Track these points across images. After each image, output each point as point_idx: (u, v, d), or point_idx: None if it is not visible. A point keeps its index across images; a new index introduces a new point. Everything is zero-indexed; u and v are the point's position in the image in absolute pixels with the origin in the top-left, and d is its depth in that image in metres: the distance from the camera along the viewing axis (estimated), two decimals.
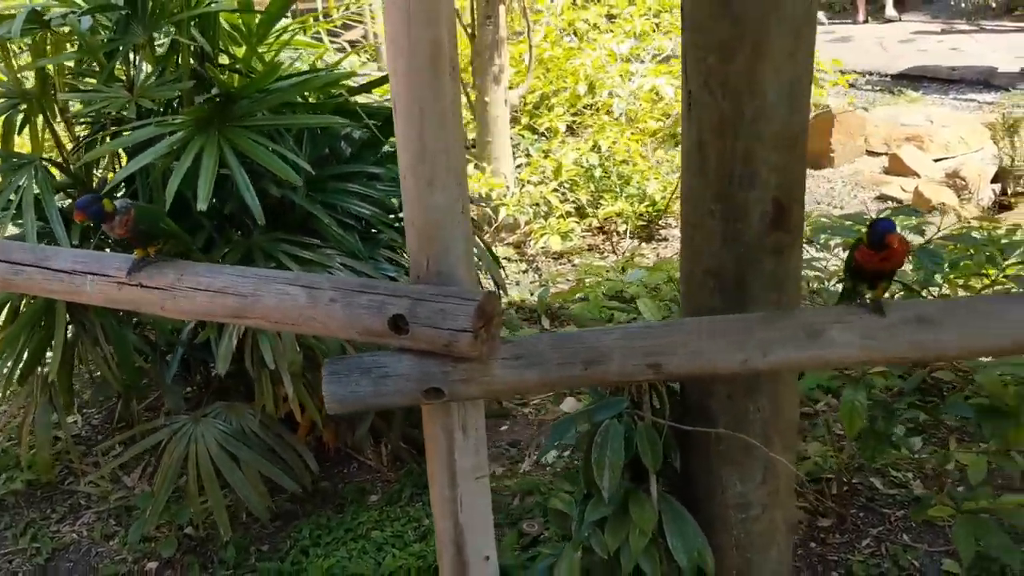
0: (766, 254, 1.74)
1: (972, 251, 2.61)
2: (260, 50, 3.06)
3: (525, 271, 4.96)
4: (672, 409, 1.99)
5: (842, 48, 9.07)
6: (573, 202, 5.20)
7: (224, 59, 3.00)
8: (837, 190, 5.47)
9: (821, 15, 7.68)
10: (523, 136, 5.85)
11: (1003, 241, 2.90)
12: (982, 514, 2.25)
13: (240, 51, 3.02)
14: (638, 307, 2.36)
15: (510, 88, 5.49)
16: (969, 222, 4.54)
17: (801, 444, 3.03)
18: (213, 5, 2.80)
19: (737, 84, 1.59)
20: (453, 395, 1.57)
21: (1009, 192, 5.16)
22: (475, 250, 3.19)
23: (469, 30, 5.09)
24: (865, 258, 1.60)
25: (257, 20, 2.97)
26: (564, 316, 3.34)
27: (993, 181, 5.45)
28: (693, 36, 1.65)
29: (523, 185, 5.26)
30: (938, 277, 2.88)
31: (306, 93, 2.88)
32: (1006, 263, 2.73)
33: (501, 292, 3.43)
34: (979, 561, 2.51)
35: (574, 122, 6.08)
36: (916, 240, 2.67)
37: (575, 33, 6.46)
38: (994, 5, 9.59)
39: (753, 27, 1.55)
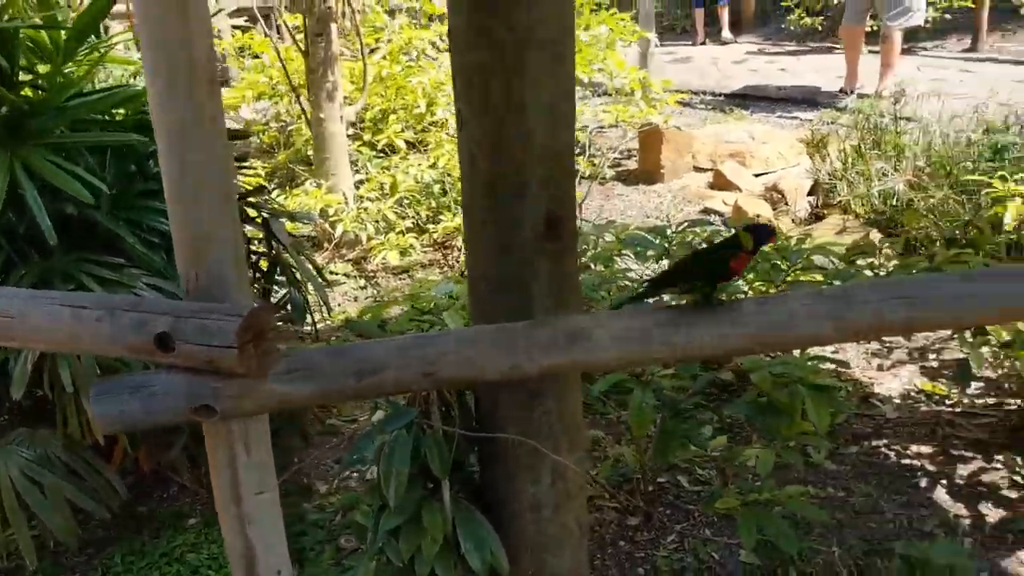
0: (543, 262, 1.82)
1: (758, 259, 2.78)
2: (70, 68, 2.97)
3: (364, 287, 4.96)
4: (466, 416, 2.04)
5: (681, 68, 9.48)
6: (413, 218, 5.25)
7: (28, 77, 2.90)
8: (666, 204, 5.71)
9: (652, 36, 8.00)
10: (361, 152, 5.86)
11: (794, 249, 3.11)
12: (767, 505, 2.41)
13: (45, 68, 2.93)
14: (445, 320, 2.42)
15: (348, 105, 5.50)
16: (786, 233, 4.83)
17: (616, 447, 3.16)
18: (15, 22, 2.70)
19: (500, 104, 1.67)
20: (226, 412, 1.58)
21: (821, 204, 5.50)
22: (302, 269, 3.20)
23: (302, 47, 5.08)
24: (740, 264, 1.70)
25: (64, 37, 2.89)
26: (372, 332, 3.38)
27: (809, 193, 5.79)
28: (457, 58, 1.72)
29: (361, 201, 5.27)
30: (741, 283, 3.07)
31: (116, 110, 2.82)
32: (792, 269, 2.93)
33: (325, 310, 3.44)
34: (770, 551, 2.68)
35: (417, 139, 6.13)
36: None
37: (414, 52, 6.53)
38: (820, 28, 10.21)
39: (511, 49, 1.63)
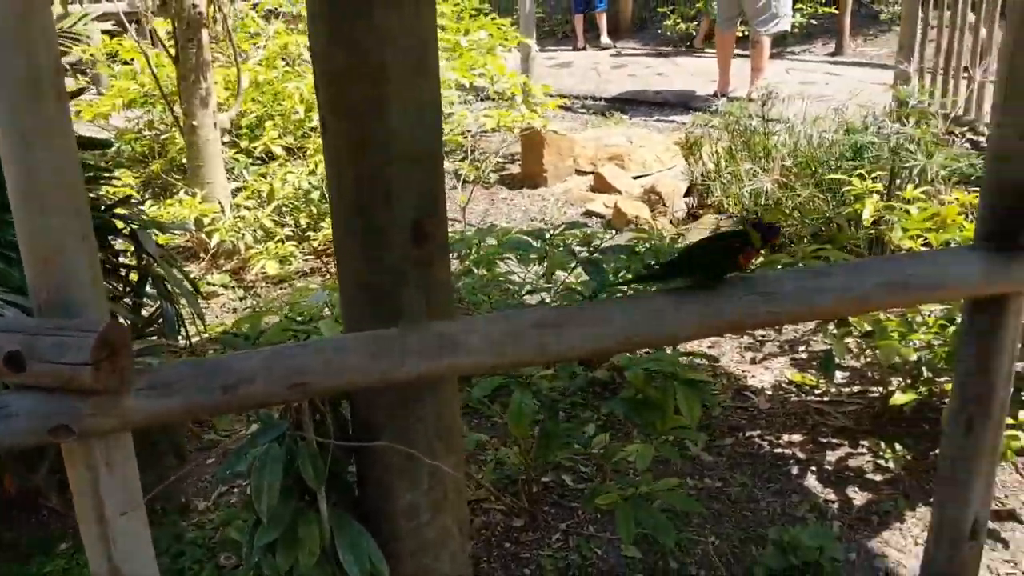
0: (412, 268, 1.82)
1: (628, 260, 2.84)
2: None
3: (243, 298, 4.86)
4: (341, 426, 2.02)
5: (563, 73, 9.61)
6: (292, 226, 5.16)
7: None
8: (549, 207, 5.79)
9: (532, 42, 8.10)
10: (238, 160, 5.73)
11: (667, 249, 3.19)
12: (645, 499, 2.46)
13: None
14: (320, 329, 2.39)
15: (221, 112, 5.37)
16: (661, 232, 4.96)
17: (502, 449, 3.18)
18: None
19: (363, 109, 1.66)
20: (85, 431, 1.52)
21: (697, 204, 5.67)
22: (174, 281, 3.11)
23: (172, 52, 4.94)
24: (748, 258, 1.77)
25: None
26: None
27: (686, 194, 5.95)
28: (317, 65, 1.70)
29: (238, 210, 5.16)
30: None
31: None
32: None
33: (199, 322, 3.35)
34: (651, 543, 2.74)
35: (296, 146, 6.03)
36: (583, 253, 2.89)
37: (288, 56, 6.43)
38: (695, 34, 10.51)
39: (372, 56, 1.62)
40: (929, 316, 3.12)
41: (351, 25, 1.63)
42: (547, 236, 3.15)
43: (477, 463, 3.13)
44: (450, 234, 5.26)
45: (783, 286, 1.78)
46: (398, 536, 2.06)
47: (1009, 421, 2.80)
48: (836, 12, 9.56)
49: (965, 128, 5.59)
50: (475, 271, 3.48)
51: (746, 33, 8.13)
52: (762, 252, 1.79)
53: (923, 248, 3.34)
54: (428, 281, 1.84)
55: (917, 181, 4.11)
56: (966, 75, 5.91)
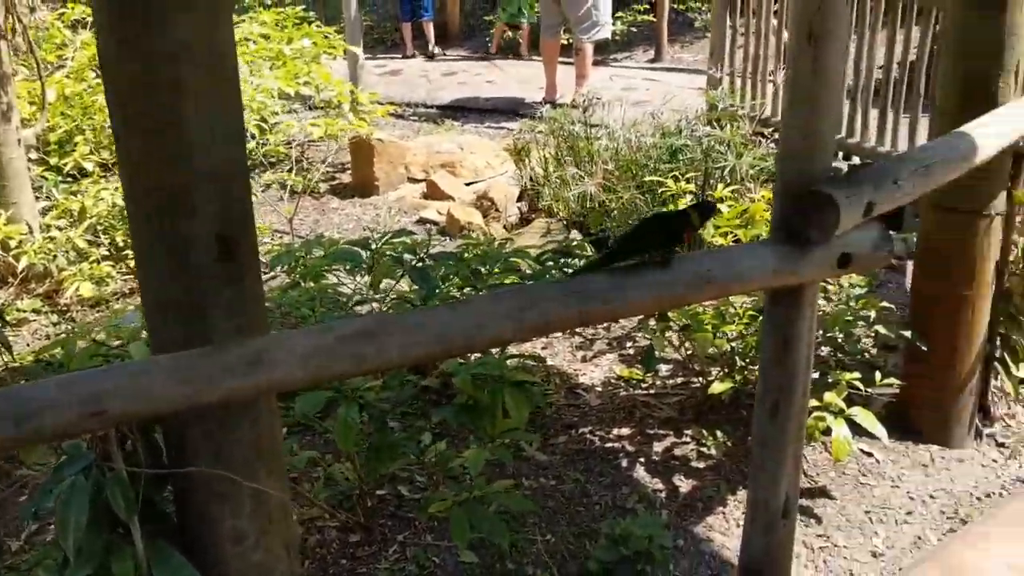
0: (220, 284, 1.76)
1: (456, 267, 2.86)
2: None
3: (57, 323, 4.58)
4: (154, 452, 1.94)
5: (393, 81, 9.56)
6: (108, 245, 4.90)
7: None
8: (382, 216, 5.75)
9: (359, 50, 8.02)
10: (46, 178, 5.40)
11: (493, 254, 3.23)
12: (479, 503, 2.48)
13: None
14: (131, 352, 2.28)
15: (26, 127, 5.05)
16: (492, 237, 5.01)
17: (336, 465, 3.13)
18: None
19: (158, 121, 1.60)
20: None
21: (528, 209, 5.77)
22: None
23: None
24: (689, 234, 1.95)
25: None
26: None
27: (519, 200, 6.05)
28: (108, 77, 1.63)
29: (48, 230, 4.86)
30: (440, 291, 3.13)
31: None
32: (491, 273, 3.04)
33: (4, 351, 3.14)
34: (488, 547, 2.76)
35: (112, 161, 5.74)
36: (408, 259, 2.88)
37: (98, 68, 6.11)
38: (521, 41, 10.68)
39: (166, 68, 1.56)
40: (741, 308, 3.29)
41: (142, 37, 1.57)
42: (374, 246, 3.12)
43: (311, 480, 3.07)
44: (276, 247, 5.15)
45: (595, 286, 1.84)
46: (223, 561, 1.99)
47: (816, 403, 2.99)
48: (654, 20, 9.95)
49: (772, 129, 5.93)
50: (302, 284, 3.41)
51: (570, 41, 8.34)
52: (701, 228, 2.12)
53: (733, 243, 3.52)
54: (238, 297, 1.79)
55: (728, 180, 4.34)
56: (772, 79, 6.27)
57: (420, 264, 2.88)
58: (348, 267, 3.25)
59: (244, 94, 5.32)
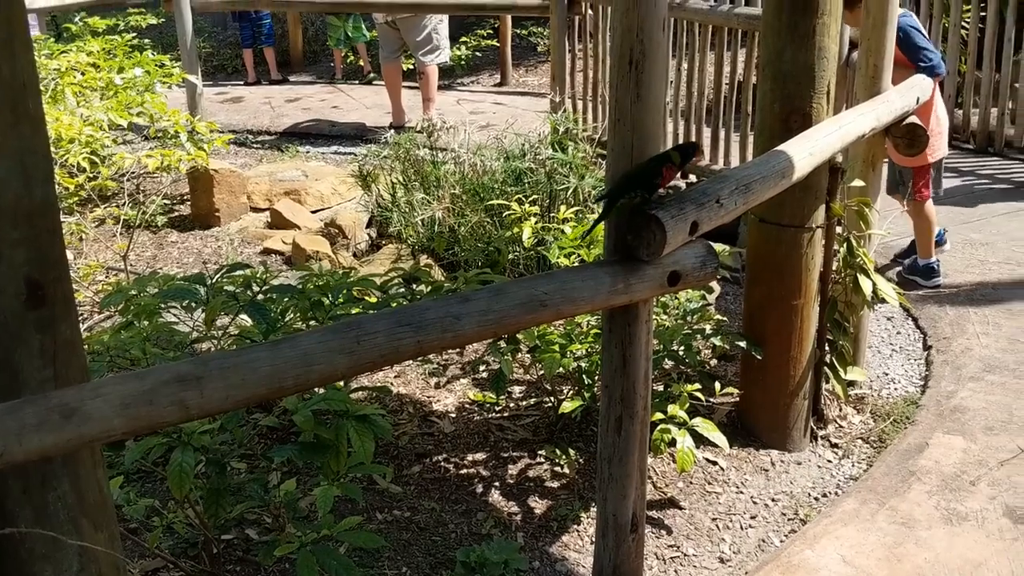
0: (30, 332, 1.65)
1: (298, 300, 2.79)
2: None
3: None
4: None
5: (235, 108, 9.32)
6: None
7: None
8: (224, 248, 5.57)
9: (195, 79, 7.79)
10: None
11: (336, 283, 3.17)
12: (328, 542, 2.41)
13: None
14: None
15: None
16: (340, 266, 4.93)
17: (178, 511, 2.98)
18: None
19: None
20: None
21: (378, 235, 5.71)
22: None
23: None
24: (670, 174, 2.11)
25: None
26: None
27: (368, 225, 5.98)
28: None
29: None
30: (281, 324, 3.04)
31: None
32: (335, 304, 2.98)
33: None
34: None
35: None
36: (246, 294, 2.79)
37: None
38: (366, 68, 10.62)
39: None
40: (587, 326, 3.35)
41: None
42: (209, 281, 3.01)
43: (151, 529, 2.91)
44: (109, 285, 4.88)
45: (429, 315, 1.82)
46: None
47: (660, 416, 3.07)
48: (498, 45, 10.09)
49: None
50: (136, 323, 3.25)
51: (414, 65, 8.35)
52: (683, 167, 2.31)
53: (577, 263, 3.59)
54: (50, 344, 1.68)
55: (572, 201, 4.42)
56: None
57: (260, 297, 2.80)
58: (183, 304, 3.12)
59: (72, 127, 5.09)
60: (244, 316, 2.92)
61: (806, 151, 2.74)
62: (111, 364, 2.78)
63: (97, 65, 6.44)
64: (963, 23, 6.56)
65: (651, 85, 2.11)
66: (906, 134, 3.50)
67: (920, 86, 3.75)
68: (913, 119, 3.55)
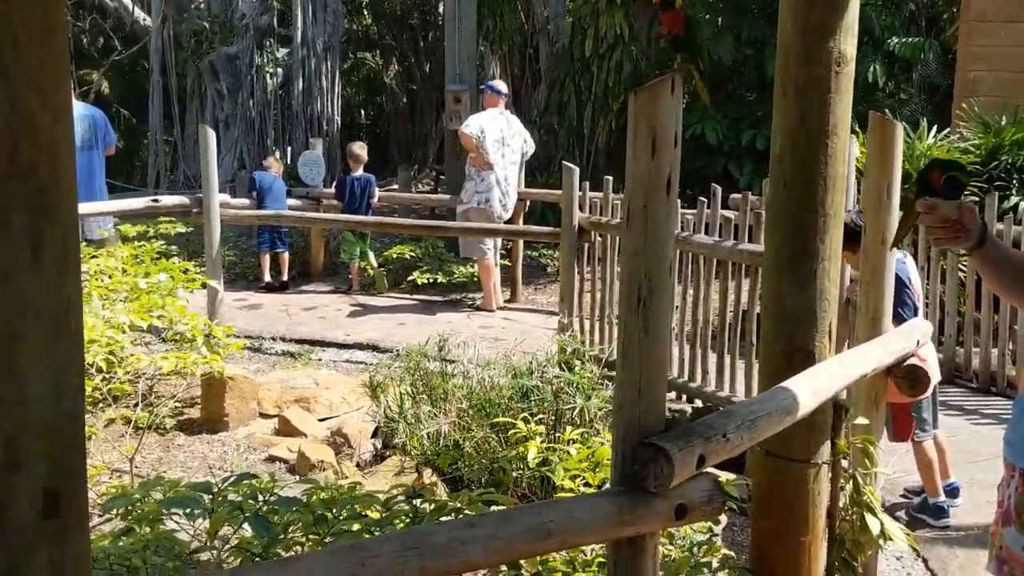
0: (42, 544, 1.67)
1: (301, 514, 2.79)
2: None
3: None
4: None
5: (253, 314, 9.58)
6: None
7: None
8: (230, 454, 5.58)
9: (217, 285, 8.08)
10: None
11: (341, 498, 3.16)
12: None
13: None
14: None
15: None
16: (344, 478, 4.91)
17: None
18: None
19: None
20: None
21: (383, 445, 5.72)
22: None
23: None
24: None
25: None
26: None
27: (374, 436, 6.00)
28: None
29: None
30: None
31: None
32: (339, 519, 2.97)
33: None
34: None
35: None
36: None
37: None
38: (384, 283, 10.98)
39: (3, 324, 1.56)
40: (591, 554, 3.30)
41: None
42: (214, 490, 3.02)
43: None
44: (112, 488, 4.88)
45: (427, 539, 1.84)
46: None
47: None
48: (510, 264, 10.47)
49: None
50: (137, 530, 3.23)
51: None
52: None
53: (583, 487, 3.58)
54: (59, 556, 1.69)
55: (578, 421, 4.46)
56: (617, 323, 6.62)
57: (264, 508, 2.81)
58: (186, 512, 3.11)
59: (94, 328, 5.24)
60: (246, 526, 2.92)
61: (809, 390, 2.81)
62: (111, 573, 2.75)
63: (125, 270, 6.71)
64: (960, 267, 6.82)
65: (658, 319, 2.23)
66: (907, 375, 3.59)
67: (920, 329, 3.88)
68: (914, 360, 3.64)
